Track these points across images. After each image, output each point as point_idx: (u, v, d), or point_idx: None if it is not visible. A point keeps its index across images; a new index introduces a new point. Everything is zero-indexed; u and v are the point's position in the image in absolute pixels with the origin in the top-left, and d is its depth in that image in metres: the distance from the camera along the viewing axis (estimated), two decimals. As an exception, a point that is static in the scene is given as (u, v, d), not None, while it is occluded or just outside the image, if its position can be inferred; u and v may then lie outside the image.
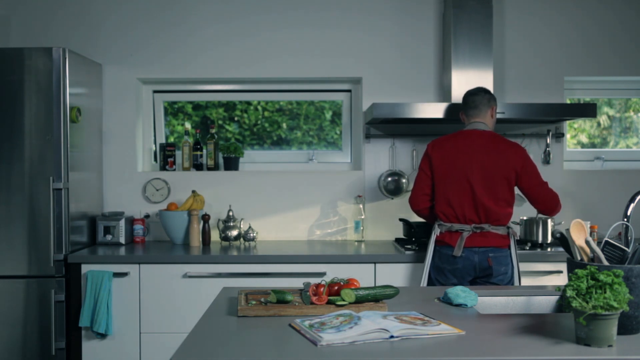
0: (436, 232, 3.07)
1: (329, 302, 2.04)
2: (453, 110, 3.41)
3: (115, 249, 3.52)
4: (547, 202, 3.04)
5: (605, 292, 1.57)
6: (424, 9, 3.91)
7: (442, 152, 3.06)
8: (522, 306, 2.26)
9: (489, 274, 2.97)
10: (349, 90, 4.09)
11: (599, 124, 4.23)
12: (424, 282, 3.08)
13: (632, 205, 2.09)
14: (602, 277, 1.59)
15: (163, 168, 3.98)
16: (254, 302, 2.03)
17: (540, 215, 3.72)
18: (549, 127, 3.93)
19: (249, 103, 4.18)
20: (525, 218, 3.59)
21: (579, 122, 4.21)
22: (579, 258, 1.87)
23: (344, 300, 2.03)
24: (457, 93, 3.60)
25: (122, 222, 3.66)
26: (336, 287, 2.10)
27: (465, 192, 2.99)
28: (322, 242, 3.86)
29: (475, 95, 3.10)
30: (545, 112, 3.44)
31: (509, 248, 3.02)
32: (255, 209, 3.92)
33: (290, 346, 1.64)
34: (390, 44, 3.92)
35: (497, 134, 3.07)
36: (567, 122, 4.11)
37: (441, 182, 3.04)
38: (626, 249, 1.84)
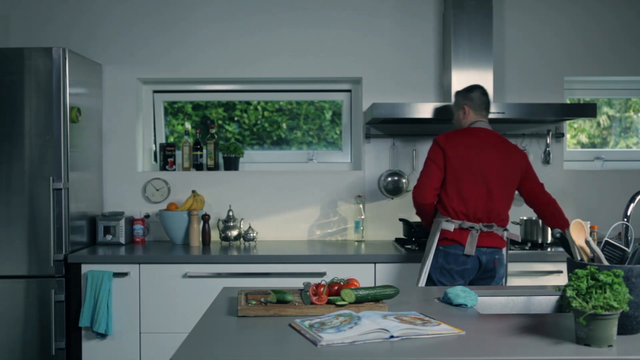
0: (443, 229, 2.91)
1: (329, 302, 2.04)
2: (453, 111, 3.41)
3: (115, 249, 3.52)
4: (552, 203, 3.05)
5: (605, 292, 1.57)
6: (424, 9, 3.91)
7: (457, 148, 2.93)
8: (522, 306, 2.26)
9: (491, 276, 2.95)
10: (349, 90, 4.09)
11: (599, 124, 4.23)
12: (422, 284, 2.93)
13: (632, 205, 2.09)
14: (602, 277, 1.59)
15: (163, 168, 3.98)
16: (254, 302, 2.03)
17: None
18: (549, 127, 3.93)
19: (248, 103, 4.18)
20: (525, 218, 3.59)
21: (579, 122, 4.21)
22: (579, 258, 1.87)
23: (344, 300, 2.03)
24: (457, 93, 3.60)
25: (122, 222, 3.66)
26: (336, 287, 2.10)
27: (480, 190, 2.91)
28: (322, 242, 3.86)
29: (486, 97, 3.06)
30: (545, 112, 3.43)
31: (506, 249, 3.02)
32: (255, 209, 3.92)
33: (290, 346, 1.64)
34: (390, 44, 3.92)
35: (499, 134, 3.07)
36: (567, 122, 4.11)
37: (455, 178, 2.92)
38: (626, 249, 1.84)
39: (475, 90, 3.07)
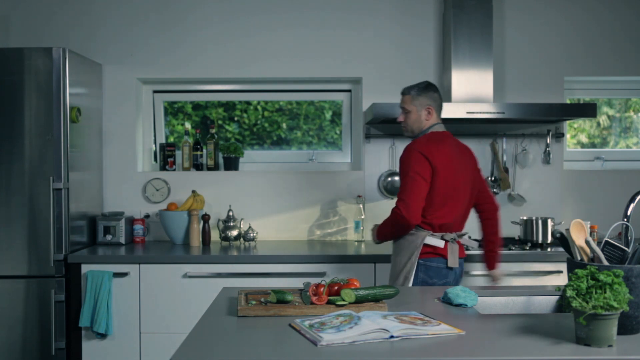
0: (430, 244, 2.73)
1: (329, 302, 2.04)
2: (453, 110, 3.40)
3: (115, 249, 3.52)
4: (495, 204, 2.95)
5: (605, 292, 1.57)
6: (424, 8, 3.91)
7: (442, 159, 2.72)
8: (522, 306, 2.26)
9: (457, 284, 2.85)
10: (349, 90, 4.09)
11: (598, 124, 4.23)
12: None
13: (632, 205, 2.09)
14: (602, 277, 1.59)
15: (163, 168, 3.98)
16: (254, 302, 2.03)
17: (539, 215, 3.73)
18: (549, 127, 3.93)
19: (248, 103, 4.18)
20: (525, 218, 3.59)
21: (579, 122, 4.21)
22: (579, 258, 1.87)
23: (344, 300, 2.03)
24: (457, 93, 3.60)
25: (122, 222, 3.66)
26: (336, 287, 2.10)
27: (462, 201, 2.81)
28: (322, 242, 3.86)
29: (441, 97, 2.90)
30: (545, 112, 3.43)
31: None
32: (255, 209, 3.92)
33: (290, 346, 1.64)
34: (390, 43, 3.92)
35: None
36: (567, 122, 4.11)
37: (444, 192, 2.72)
38: (626, 249, 1.84)
39: (435, 90, 2.84)
